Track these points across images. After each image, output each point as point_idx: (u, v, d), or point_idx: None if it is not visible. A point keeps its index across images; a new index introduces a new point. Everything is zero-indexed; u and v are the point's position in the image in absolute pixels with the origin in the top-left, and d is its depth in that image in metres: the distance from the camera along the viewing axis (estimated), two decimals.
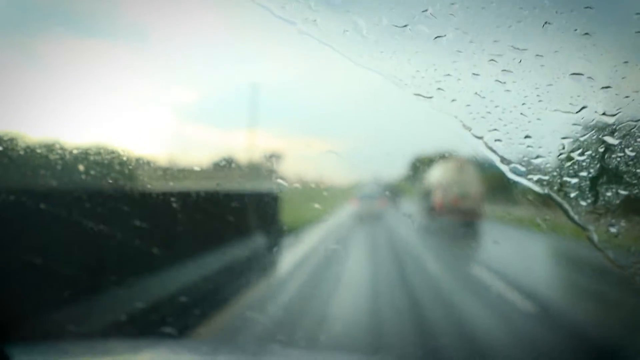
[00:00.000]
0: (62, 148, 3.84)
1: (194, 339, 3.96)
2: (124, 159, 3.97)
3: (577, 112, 2.03)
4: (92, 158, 3.87)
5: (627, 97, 1.92)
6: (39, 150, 3.92)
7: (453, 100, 2.19)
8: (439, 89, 2.14)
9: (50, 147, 3.86)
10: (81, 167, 3.83)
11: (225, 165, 5.15)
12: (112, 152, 4.00)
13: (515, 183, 2.22)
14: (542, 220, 2.85)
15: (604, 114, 2.01)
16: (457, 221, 11.68)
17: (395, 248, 10.73)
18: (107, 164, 3.94)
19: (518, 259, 8.04)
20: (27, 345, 2.00)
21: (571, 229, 2.20)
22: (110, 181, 3.91)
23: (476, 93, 2.10)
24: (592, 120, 2.04)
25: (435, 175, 12.34)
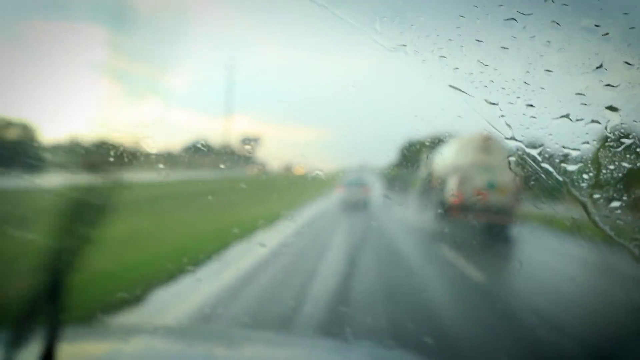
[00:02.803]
0: None
1: (171, 325, 3.90)
2: None
3: (581, 82, 2.00)
4: None
5: (630, 65, 1.88)
6: None
7: (456, 69, 2.16)
8: (441, 56, 2.10)
9: None
10: None
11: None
12: None
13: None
14: None
15: (608, 84, 1.98)
16: (485, 224, 7.73)
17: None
18: None
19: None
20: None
21: None
22: None
23: (479, 60, 2.06)
24: (596, 89, 2.00)
25: (449, 157, 8.80)
